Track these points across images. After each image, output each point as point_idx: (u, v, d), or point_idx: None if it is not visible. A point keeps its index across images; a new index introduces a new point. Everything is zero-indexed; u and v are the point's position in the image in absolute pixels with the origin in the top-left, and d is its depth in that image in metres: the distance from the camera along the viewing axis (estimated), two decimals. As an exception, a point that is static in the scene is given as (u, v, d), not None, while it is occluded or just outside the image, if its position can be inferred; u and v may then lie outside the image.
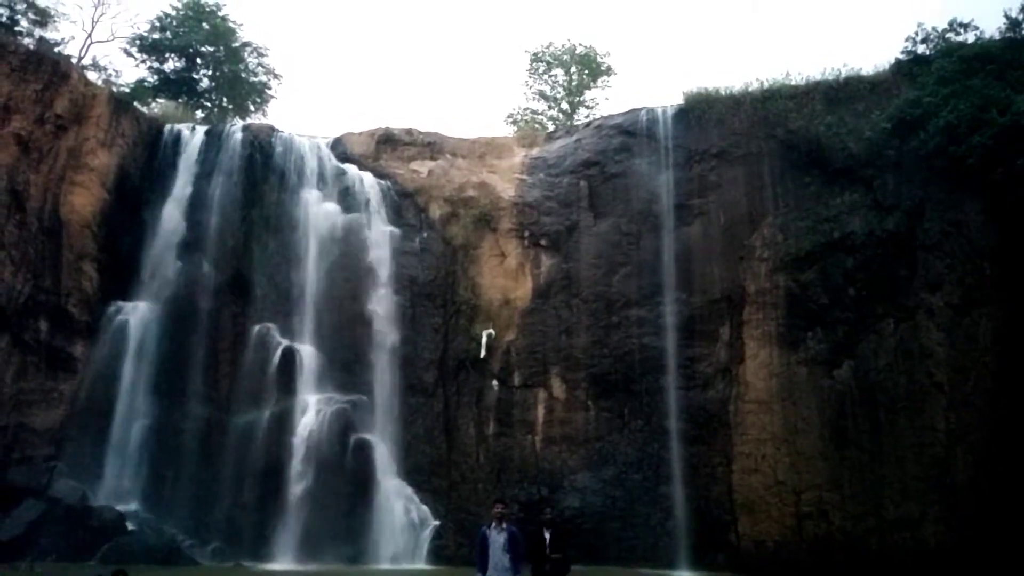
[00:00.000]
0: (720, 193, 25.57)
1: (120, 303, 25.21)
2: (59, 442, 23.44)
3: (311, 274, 26.38)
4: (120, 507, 22.16)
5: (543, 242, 27.24)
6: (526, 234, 27.52)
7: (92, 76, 30.19)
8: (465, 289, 27.12)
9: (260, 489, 23.01)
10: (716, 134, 26.16)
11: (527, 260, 27.23)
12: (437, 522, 23.32)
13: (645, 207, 26.49)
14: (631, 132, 27.67)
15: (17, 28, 32.53)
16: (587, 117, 36.51)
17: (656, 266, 25.55)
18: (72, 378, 24.35)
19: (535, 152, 29.48)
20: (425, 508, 23.63)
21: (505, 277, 27.17)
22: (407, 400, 25.38)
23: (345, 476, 23.38)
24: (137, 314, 25.04)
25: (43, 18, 33.01)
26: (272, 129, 29.12)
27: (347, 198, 27.99)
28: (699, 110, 26.62)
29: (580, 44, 40.68)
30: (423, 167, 29.29)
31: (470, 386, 25.95)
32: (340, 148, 29.79)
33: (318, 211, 27.33)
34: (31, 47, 28.08)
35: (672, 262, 25.39)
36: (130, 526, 21.72)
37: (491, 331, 26.20)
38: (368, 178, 28.56)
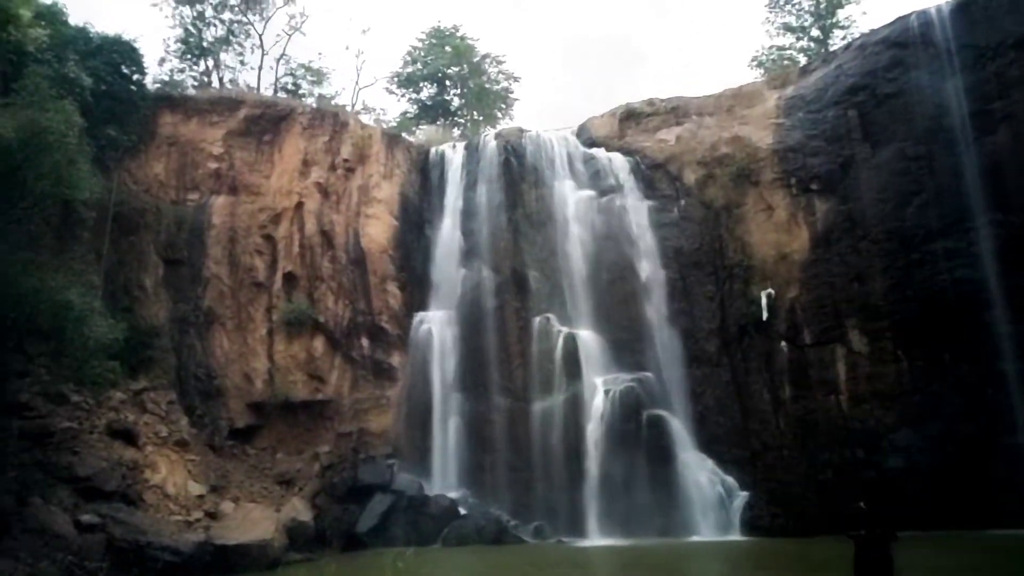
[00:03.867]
0: (1028, 88, 21.47)
1: (421, 314, 28.19)
2: (393, 441, 26.88)
3: (578, 261, 27.19)
4: (451, 495, 24.79)
5: (814, 186, 25.15)
6: (793, 181, 25.63)
7: (365, 119, 34.17)
8: (734, 251, 26.03)
9: (566, 470, 24.21)
10: (1010, 21, 22.05)
11: (799, 209, 25.32)
12: (746, 493, 22.71)
13: (933, 124, 23.22)
14: (901, 43, 24.41)
15: (300, 92, 37.93)
16: (844, 39, 32.94)
17: (958, 188, 22.29)
18: (394, 385, 27.77)
19: (789, 91, 27.31)
20: (730, 479, 23.12)
21: (776, 231, 25.56)
22: (692, 372, 25.06)
23: (642, 452, 23.65)
24: (436, 322, 27.81)
25: (319, 78, 38.15)
26: (520, 131, 30.47)
27: (599, 181, 28.41)
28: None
29: (824, -40, 36.73)
30: (670, 135, 28.64)
31: (757, 350, 24.85)
32: (585, 134, 30.31)
33: (575, 199, 28.10)
34: (314, 105, 32.48)
35: (977, 180, 21.98)
36: (462, 511, 24.24)
37: (770, 291, 24.82)
38: (617, 157, 28.72)
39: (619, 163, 28.48)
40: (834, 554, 14.13)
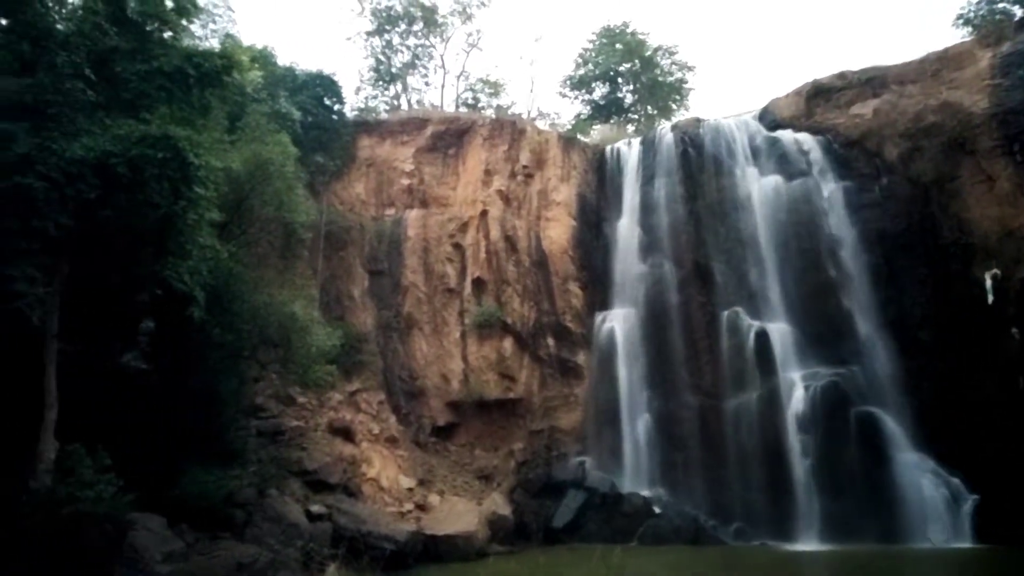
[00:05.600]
0: None
1: (603, 312, 28.31)
2: (582, 439, 27.20)
3: (766, 251, 25.96)
4: (644, 493, 24.62)
5: (1043, 151, 22.17)
6: (1016, 147, 22.83)
7: (541, 125, 34.86)
8: (949, 230, 23.60)
9: (765, 470, 23.15)
10: None
11: (1026, 178, 22.46)
12: (976, 496, 20.49)
13: None
14: None
15: (480, 105, 39.56)
16: (1069, -19, 28.60)
17: None
18: (581, 383, 28.13)
19: (1005, 48, 24.34)
20: (956, 481, 20.97)
21: (999, 204, 22.87)
22: (905, 364, 23.01)
23: (852, 452, 22.03)
24: (619, 319, 27.79)
25: (496, 90, 39.57)
26: (697, 120, 29.65)
27: (786, 165, 26.90)
28: None
29: None
30: (865, 108, 26.51)
31: (982, 338, 22.30)
32: (768, 117, 28.88)
33: (759, 187, 26.84)
34: (492, 116, 33.73)
35: None
36: (656, 510, 23.98)
37: (996, 271, 22.24)
38: (804, 138, 27.09)
39: (808, 144, 26.83)
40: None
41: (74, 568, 13.35)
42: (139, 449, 17.49)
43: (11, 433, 15.05)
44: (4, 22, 14.61)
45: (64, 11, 15.29)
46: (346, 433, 23.62)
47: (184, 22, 16.99)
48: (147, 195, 14.28)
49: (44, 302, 13.80)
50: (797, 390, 23.29)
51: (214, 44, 26.36)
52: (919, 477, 21.24)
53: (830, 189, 25.80)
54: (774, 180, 26.65)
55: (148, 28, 15.86)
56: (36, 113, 14.03)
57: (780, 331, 24.61)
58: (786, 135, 27.50)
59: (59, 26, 14.83)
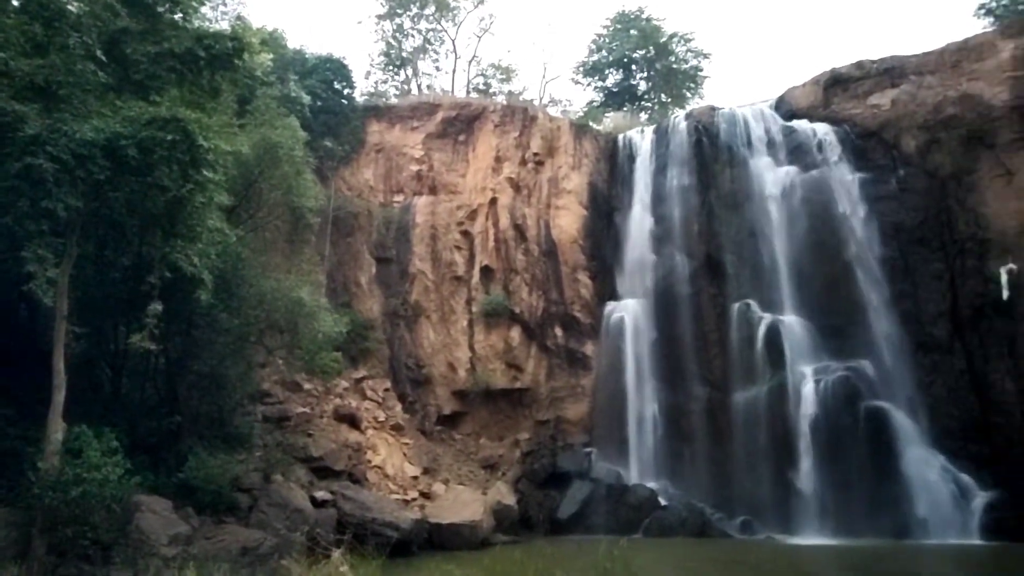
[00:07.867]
0: None
1: (613, 303, 28.12)
2: (589, 430, 27.10)
3: (779, 243, 25.67)
4: (650, 485, 24.52)
5: (1066, 145, 21.79)
6: (1038, 141, 22.38)
7: (553, 112, 34.53)
8: (966, 224, 23.28)
9: (773, 463, 23.04)
10: None
11: (1046, 172, 22.07)
12: (987, 493, 20.32)
13: None
14: None
15: (491, 91, 39.24)
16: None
17: None
18: (588, 374, 28.00)
19: (1029, 39, 23.79)
20: (967, 478, 20.80)
21: (1018, 199, 22.64)
22: (918, 360, 22.83)
23: (860, 447, 21.93)
24: (628, 310, 27.59)
25: (507, 75, 39.22)
26: (712, 109, 29.26)
27: (802, 155, 26.58)
28: None
29: None
30: (883, 99, 26.11)
31: (996, 335, 22.13)
32: (784, 106, 28.49)
33: (774, 177, 26.53)
34: (504, 103, 33.42)
35: None
36: (662, 502, 23.90)
37: (1012, 266, 22.00)
38: (821, 129, 26.72)
39: (824, 134, 26.46)
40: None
41: (82, 549, 13.38)
42: (146, 432, 17.52)
43: (20, 414, 15.08)
44: (16, 3, 14.47)
45: (75, -9, 15.11)
46: (352, 420, 23.59)
47: (195, 3, 16.79)
48: (156, 177, 14.18)
49: (54, 283, 13.74)
50: (807, 384, 23.11)
51: (224, 26, 26.16)
52: (927, 473, 21.10)
53: (846, 180, 25.48)
54: (789, 171, 26.36)
55: (159, 9, 15.69)
56: (47, 94, 13.92)
57: (792, 324, 24.40)
58: (802, 125, 27.16)
59: (71, 7, 14.66)
